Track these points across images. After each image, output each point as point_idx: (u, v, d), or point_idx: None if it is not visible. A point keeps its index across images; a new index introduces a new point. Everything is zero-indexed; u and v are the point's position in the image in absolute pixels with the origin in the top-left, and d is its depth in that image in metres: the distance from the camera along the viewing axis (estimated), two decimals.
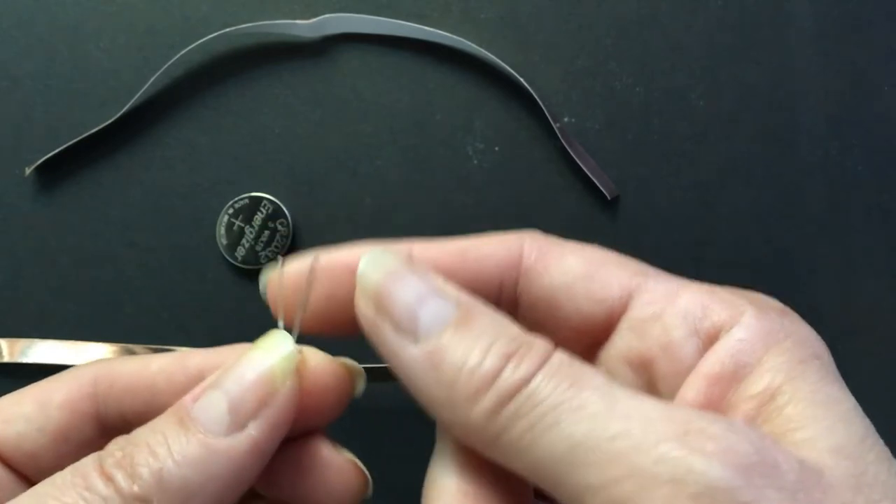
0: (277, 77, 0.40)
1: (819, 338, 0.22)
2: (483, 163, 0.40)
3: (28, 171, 0.38)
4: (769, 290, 0.42)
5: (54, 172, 0.39)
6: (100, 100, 0.39)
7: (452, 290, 0.22)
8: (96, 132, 0.38)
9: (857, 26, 0.41)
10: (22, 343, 0.38)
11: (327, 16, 0.39)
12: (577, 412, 0.19)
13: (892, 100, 0.41)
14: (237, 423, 0.21)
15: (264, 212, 0.39)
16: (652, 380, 0.24)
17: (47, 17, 0.39)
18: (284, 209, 0.39)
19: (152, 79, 0.38)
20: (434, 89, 0.40)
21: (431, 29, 0.39)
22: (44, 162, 0.38)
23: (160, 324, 0.39)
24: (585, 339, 0.25)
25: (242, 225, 0.39)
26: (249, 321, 0.39)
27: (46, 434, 0.24)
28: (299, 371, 0.22)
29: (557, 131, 0.39)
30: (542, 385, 0.19)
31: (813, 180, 0.41)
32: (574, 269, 0.24)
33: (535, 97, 0.39)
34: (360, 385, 0.25)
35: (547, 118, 0.39)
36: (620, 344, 0.24)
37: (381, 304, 0.21)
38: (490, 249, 0.25)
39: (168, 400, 0.23)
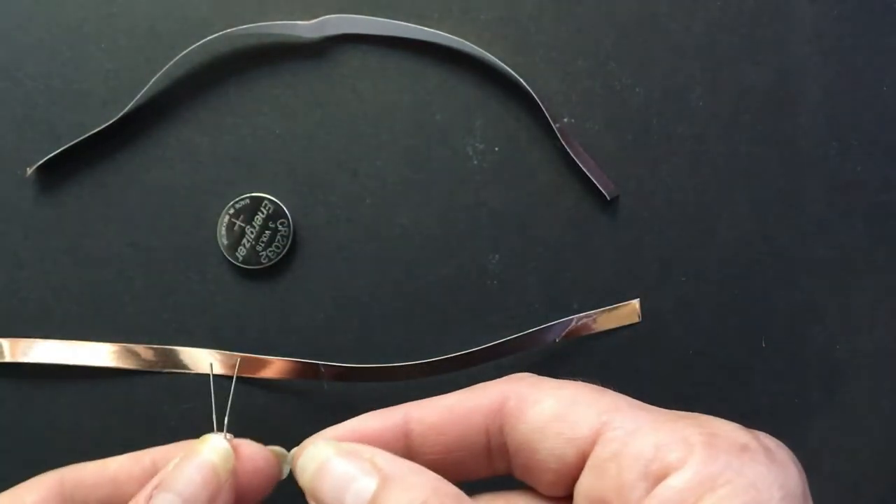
0: (278, 77, 0.40)
1: (778, 478, 0.21)
2: (483, 163, 0.40)
3: (29, 171, 0.38)
4: (768, 289, 0.42)
5: (55, 173, 0.39)
6: (101, 100, 0.39)
7: (381, 461, 0.24)
8: (97, 132, 0.38)
9: (857, 26, 0.41)
10: (23, 343, 0.38)
11: (328, 16, 0.39)
12: None
13: (892, 100, 0.41)
14: None
15: (265, 212, 0.39)
16: None
17: (47, 17, 0.39)
18: (285, 209, 0.39)
19: (153, 79, 0.38)
20: (434, 89, 0.40)
21: (431, 29, 0.39)
22: (45, 162, 0.38)
23: (160, 324, 0.39)
24: (564, 479, 0.25)
25: (243, 225, 0.39)
26: (250, 321, 0.39)
27: None
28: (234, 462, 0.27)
29: (557, 131, 0.39)
30: None
31: (813, 180, 0.41)
32: (546, 411, 0.25)
33: (535, 97, 0.39)
34: (286, 468, 0.29)
35: (547, 118, 0.39)
36: (585, 483, 0.24)
37: (316, 499, 0.25)
38: (475, 402, 0.27)
39: (129, 491, 0.27)
